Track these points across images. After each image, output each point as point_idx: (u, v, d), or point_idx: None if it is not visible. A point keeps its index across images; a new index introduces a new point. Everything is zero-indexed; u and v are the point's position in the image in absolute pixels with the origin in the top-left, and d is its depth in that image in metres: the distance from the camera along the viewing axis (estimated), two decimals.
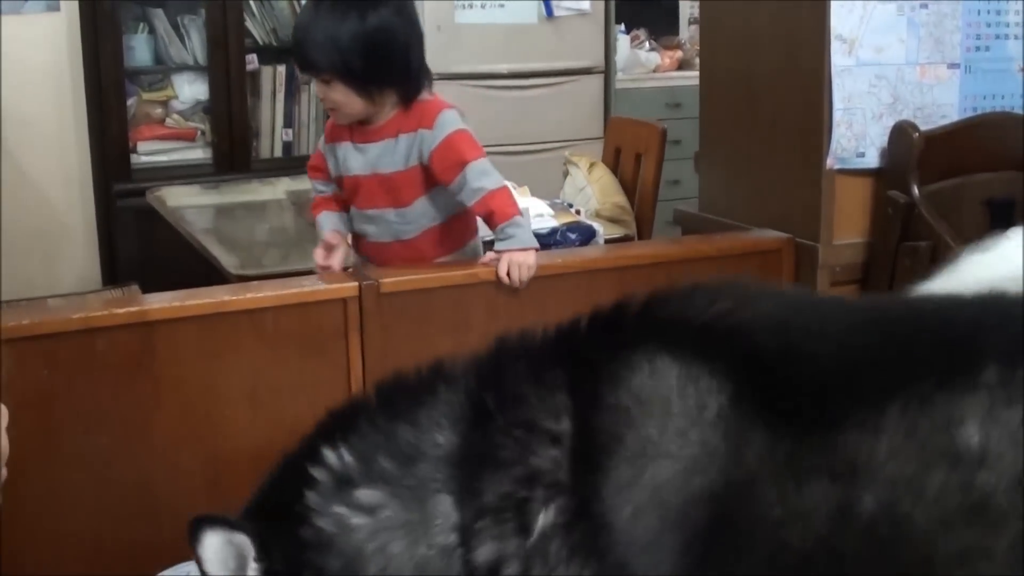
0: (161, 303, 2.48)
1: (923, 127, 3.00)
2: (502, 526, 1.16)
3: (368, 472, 1.24)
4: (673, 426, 1.13)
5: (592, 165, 4.44)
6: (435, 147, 2.79)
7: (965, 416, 1.01)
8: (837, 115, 2.98)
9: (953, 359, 1.05)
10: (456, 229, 2.95)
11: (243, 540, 1.28)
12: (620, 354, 1.20)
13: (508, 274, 2.75)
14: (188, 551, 2.31)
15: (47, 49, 5.34)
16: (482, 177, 2.78)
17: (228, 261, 3.64)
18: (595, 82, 6.17)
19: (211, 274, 3.48)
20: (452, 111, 2.87)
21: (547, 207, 3.82)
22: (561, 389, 1.21)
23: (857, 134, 3.01)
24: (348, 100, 2.75)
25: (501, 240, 2.80)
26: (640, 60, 6.70)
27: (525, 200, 3.77)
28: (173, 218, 4.25)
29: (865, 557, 1.02)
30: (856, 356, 1.12)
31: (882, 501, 1.02)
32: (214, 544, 1.27)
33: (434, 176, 2.81)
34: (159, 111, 5.72)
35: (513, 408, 1.21)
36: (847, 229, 3.04)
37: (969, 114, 3.11)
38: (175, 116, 5.75)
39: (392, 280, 2.67)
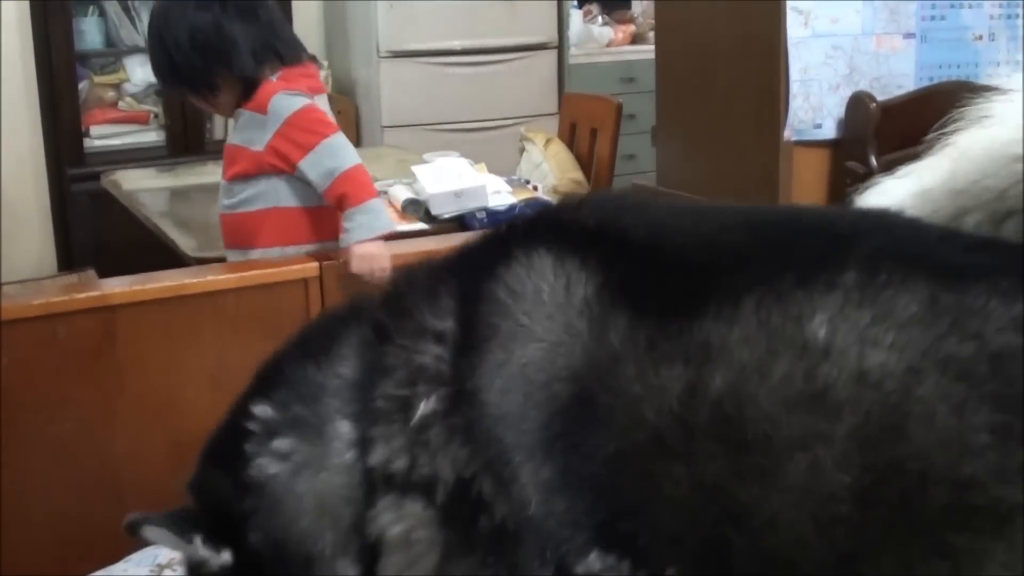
0: (121, 287, 2.46)
1: (880, 97, 3.02)
2: (389, 427, 1.22)
3: (285, 421, 1.30)
4: (542, 312, 1.19)
5: (548, 141, 4.44)
6: (270, 136, 2.77)
7: (816, 312, 1.07)
8: (794, 87, 2.99)
9: (818, 261, 1.11)
10: (300, 223, 2.86)
11: (166, 536, 1.36)
12: (502, 255, 1.26)
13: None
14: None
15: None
16: (331, 157, 2.73)
17: (185, 244, 3.62)
18: (549, 58, 6.18)
19: (168, 258, 3.46)
20: (281, 94, 2.80)
21: (504, 184, 3.81)
22: (449, 295, 1.26)
23: (814, 105, 3.02)
24: (199, 103, 2.85)
25: (346, 231, 2.72)
26: (593, 35, 6.70)
27: (483, 176, 3.77)
28: (128, 201, 4.22)
29: (710, 432, 1.09)
30: (722, 252, 1.18)
31: (730, 382, 1.08)
32: (155, 538, 1.36)
33: (275, 163, 2.78)
34: (111, 94, 5.68)
35: (405, 321, 1.27)
36: (805, 200, 3.06)
37: (925, 83, 3.13)
38: (127, 99, 5.71)
39: None
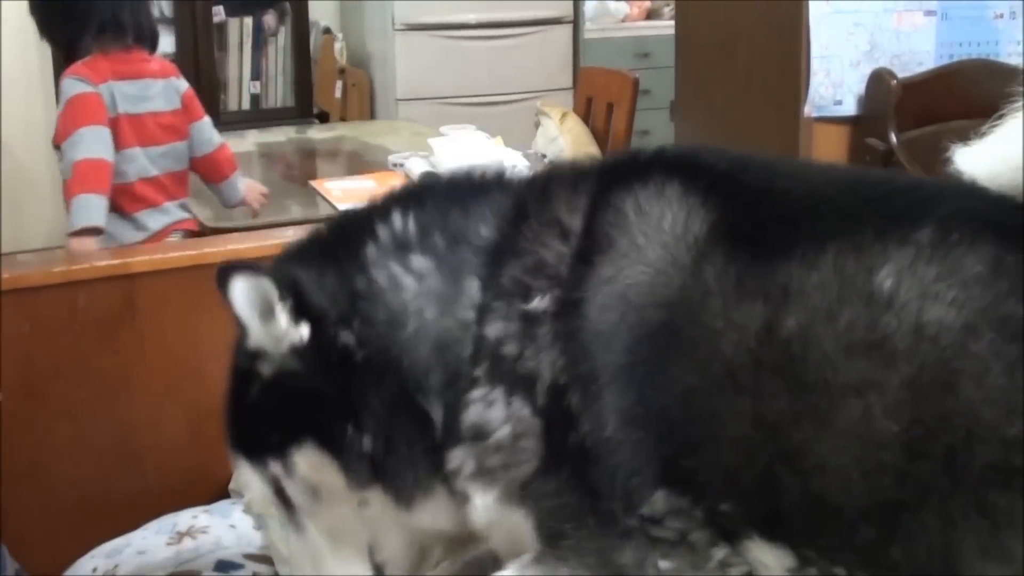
0: (143, 256, 2.46)
1: (900, 74, 3.00)
2: (509, 308, 1.28)
3: (423, 242, 1.34)
4: (658, 238, 1.25)
5: (564, 115, 4.43)
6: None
7: (886, 264, 1.12)
8: (815, 63, 2.98)
9: (899, 217, 1.16)
10: None
11: (266, 284, 1.33)
12: (641, 173, 1.31)
13: None
14: (171, 501, 2.33)
15: (11, 3, 5.27)
16: (70, 148, 3.05)
17: (201, 214, 3.63)
18: (564, 32, 6.16)
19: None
20: (68, 78, 3.18)
21: (520, 158, 3.81)
22: (585, 194, 1.32)
23: (835, 82, 3.01)
24: None
25: None
26: (609, 10, 6.68)
27: (499, 150, 3.76)
28: None
29: (777, 370, 1.13)
30: (819, 202, 1.24)
31: (801, 324, 1.13)
32: (241, 287, 1.34)
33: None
34: None
35: (543, 207, 1.33)
36: None
37: (945, 61, 3.12)
38: None
39: None
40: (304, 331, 1.32)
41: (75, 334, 2.34)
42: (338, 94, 6.29)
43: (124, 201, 3.31)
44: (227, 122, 5.56)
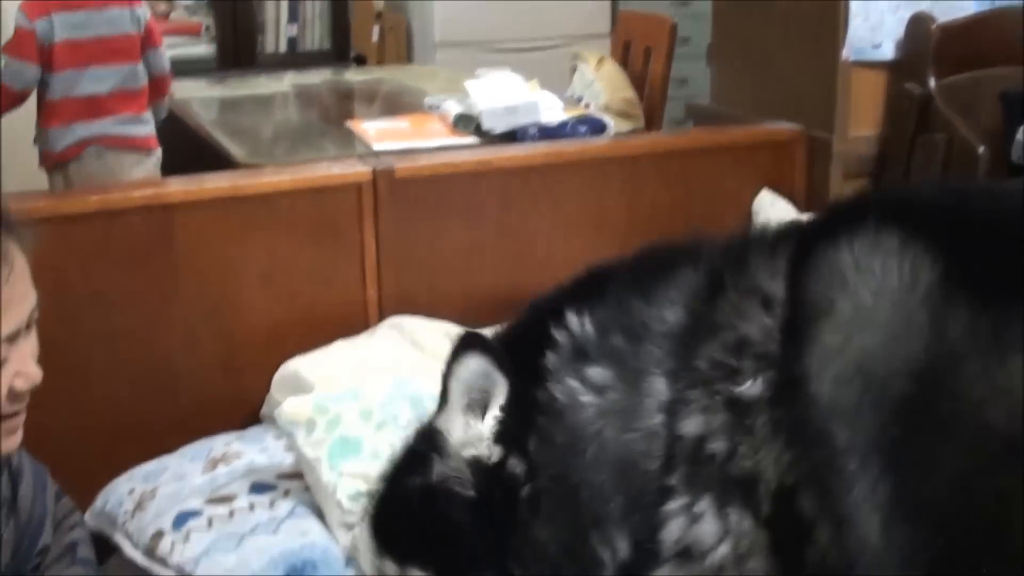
0: (178, 186, 2.48)
1: (940, 19, 2.97)
2: (711, 399, 1.11)
3: (602, 347, 1.19)
4: (888, 296, 1.08)
5: (600, 60, 4.40)
6: None
7: None
8: (854, 6, 2.96)
9: None
10: None
11: (500, 381, 1.24)
12: (845, 223, 1.16)
13: None
14: (204, 427, 2.36)
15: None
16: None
17: (237, 151, 3.64)
18: None
19: (220, 165, 3.48)
20: (17, 11, 3.80)
21: (557, 100, 3.80)
22: (783, 256, 1.17)
23: (873, 25, 2.98)
24: None
25: None
26: None
27: (535, 93, 3.75)
28: (180, 110, 4.23)
29: None
30: None
31: None
32: (472, 368, 1.23)
33: None
34: (163, 7, 5.67)
35: (740, 272, 1.18)
36: (861, 122, 3.04)
37: (986, 6, 3.08)
38: (179, 11, 5.70)
39: (406, 166, 2.66)
40: (496, 453, 1.20)
41: (111, 263, 2.37)
42: (375, 38, 6.28)
43: (54, 116, 3.87)
44: (264, 64, 5.57)
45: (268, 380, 2.44)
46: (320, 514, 2.06)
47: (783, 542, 1.07)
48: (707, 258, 1.23)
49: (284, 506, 2.08)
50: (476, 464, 1.20)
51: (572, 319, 1.22)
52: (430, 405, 2.08)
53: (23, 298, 1.60)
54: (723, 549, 1.08)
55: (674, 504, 1.10)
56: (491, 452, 1.20)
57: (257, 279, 2.50)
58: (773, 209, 3.01)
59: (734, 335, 1.12)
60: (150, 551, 2.02)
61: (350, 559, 1.94)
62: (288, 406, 2.11)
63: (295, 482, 2.15)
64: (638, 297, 1.21)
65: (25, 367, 1.62)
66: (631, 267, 1.28)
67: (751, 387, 1.09)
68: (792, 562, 1.06)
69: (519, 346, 1.27)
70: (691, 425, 1.11)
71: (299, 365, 2.39)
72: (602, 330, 1.20)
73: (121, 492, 2.17)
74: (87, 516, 2.10)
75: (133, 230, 2.38)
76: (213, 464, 2.23)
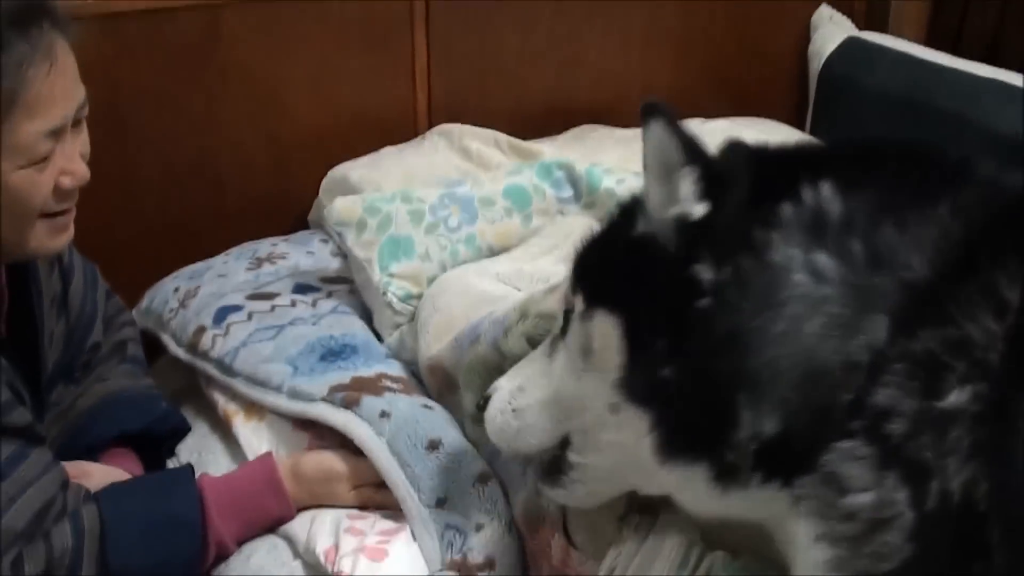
0: None
1: None
2: (911, 381, 0.99)
3: (839, 242, 1.06)
4: None
5: None
6: None
7: None
8: None
9: None
10: None
11: (675, 145, 1.14)
12: None
13: None
14: (251, 230, 2.38)
15: None
16: None
17: None
18: None
19: None
20: None
21: None
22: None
23: None
24: None
25: None
26: None
27: None
28: None
29: None
30: None
31: None
32: (659, 134, 1.14)
33: None
34: None
35: (990, 261, 1.02)
36: None
37: None
38: None
39: None
40: (700, 209, 1.12)
41: (159, 63, 2.35)
42: None
43: None
44: None
45: (316, 185, 2.44)
46: (365, 315, 2.09)
47: (935, 542, 0.98)
48: (966, 214, 1.07)
49: (326, 305, 2.10)
50: (679, 225, 1.13)
51: (826, 190, 1.08)
52: (480, 210, 2.12)
53: (67, 95, 1.59)
54: (864, 498, 1.00)
55: (846, 444, 1.01)
56: (695, 209, 1.12)
57: (305, 82, 2.49)
58: (831, 24, 2.95)
59: (957, 331, 0.99)
60: (192, 347, 2.05)
61: (393, 355, 1.98)
62: (339, 205, 2.11)
63: (340, 286, 2.16)
64: (893, 217, 1.07)
65: (72, 165, 1.62)
66: (895, 173, 1.12)
67: (957, 395, 0.97)
68: (939, 560, 0.98)
69: (766, 168, 1.16)
70: (885, 396, 1.00)
71: (347, 170, 2.39)
72: (846, 225, 1.07)
73: (166, 291, 2.19)
74: (133, 314, 2.13)
75: (181, 29, 2.35)
76: (258, 263, 2.24)
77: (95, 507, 1.62)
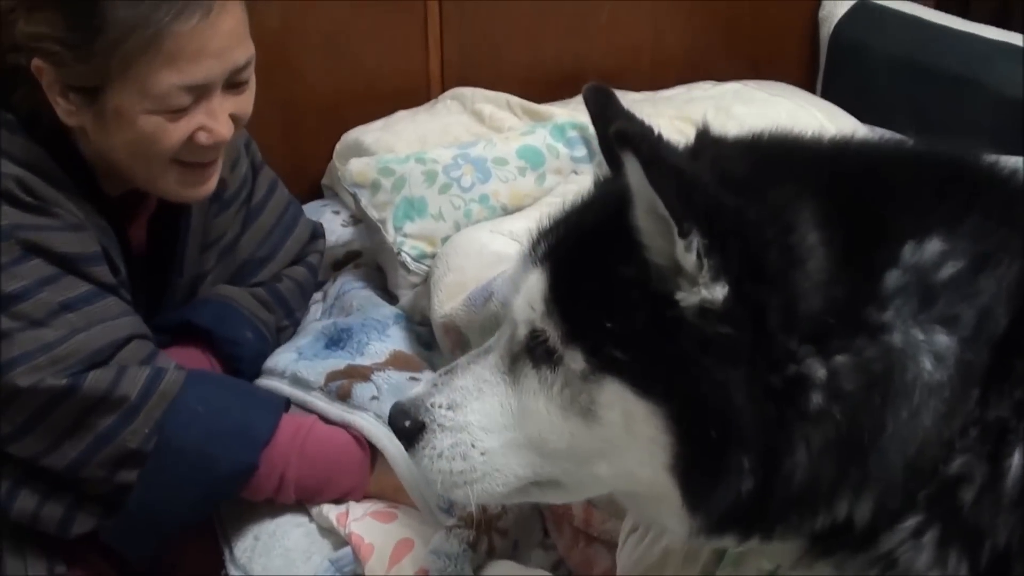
0: None
1: None
2: (983, 446, 0.92)
3: (950, 307, 0.94)
4: None
5: None
6: None
7: None
8: None
9: None
10: None
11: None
12: None
13: None
14: None
15: None
16: None
17: None
18: None
19: None
20: None
21: None
22: None
23: None
24: None
25: None
26: None
27: None
28: None
29: None
30: None
31: None
32: (638, 181, 0.94)
33: None
34: None
35: None
36: None
37: None
38: None
39: None
40: (719, 293, 0.93)
41: None
42: None
43: None
44: None
45: (329, 150, 2.45)
46: (376, 283, 2.12)
47: None
48: None
49: (333, 290, 2.15)
50: (702, 309, 0.94)
51: (934, 245, 0.94)
52: (494, 169, 2.13)
53: (219, 54, 1.57)
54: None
55: (909, 522, 0.95)
56: (714, 294, 0.94)
57: (320, 44, 2.49)
58: None
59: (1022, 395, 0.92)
60: None
61: (401, 315, 2.00)
62: (354, 166, 2.12)
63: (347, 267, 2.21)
64: (987, 269, 0.95)
65: (212, 123, 1.61)
66: (968, 205, 0.97)
67: (1019, 456, 0.91)
68: None
69: (853, 209, 0.97)
70: (955, 465, 0.94)
71: (361, 133, 2.40)
72: (956, 290, 0.94)
73: None
74: None
75: None
76: None
77: (182, 376, 1.61)
